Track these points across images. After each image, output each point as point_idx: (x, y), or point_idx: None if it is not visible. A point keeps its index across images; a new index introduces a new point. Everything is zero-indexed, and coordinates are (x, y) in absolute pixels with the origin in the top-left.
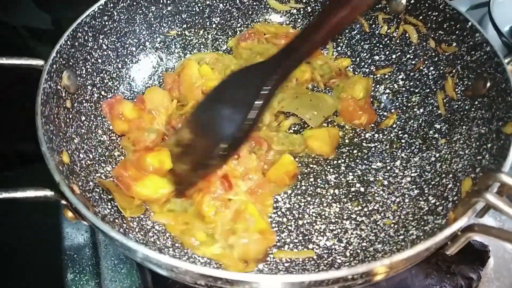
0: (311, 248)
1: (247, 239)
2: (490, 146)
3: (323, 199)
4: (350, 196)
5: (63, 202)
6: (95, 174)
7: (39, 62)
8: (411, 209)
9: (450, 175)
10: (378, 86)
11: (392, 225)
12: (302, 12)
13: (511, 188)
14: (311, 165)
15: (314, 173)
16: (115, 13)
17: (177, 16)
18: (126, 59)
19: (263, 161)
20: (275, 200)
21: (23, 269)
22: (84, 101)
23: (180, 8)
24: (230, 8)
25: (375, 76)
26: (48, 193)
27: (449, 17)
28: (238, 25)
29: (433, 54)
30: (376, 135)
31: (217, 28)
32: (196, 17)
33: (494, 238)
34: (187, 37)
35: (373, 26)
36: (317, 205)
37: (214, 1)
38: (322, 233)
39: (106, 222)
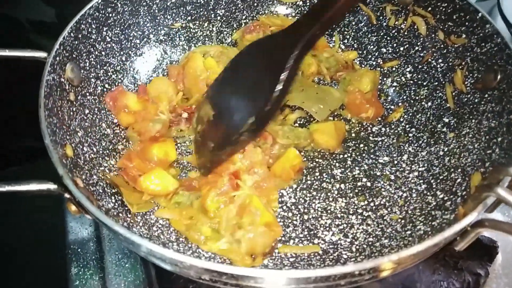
0: (316, 243)
1: (254, 233)
2: (501, 140)
3: (328, 194)
4: (356, 190)
5: (67, 195)
6: (98, 167)
7: (42, 54)
8: (418, 204)
9: (459, 170)
10: (385, 79)
11: (399, 220)
12: (308, 3)
13: None
14: (317, 159)
15: (320, 168)
16: (119, 5)
17: (182, 8)
18: (130, 52)
19: (268, 155)
20: (280, 194)
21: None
22: (87, 94)
23: (184, 0)
24: (235, 0)
25: (382, 69)
26: (51, 186)
27: (458, 8)
28: (243, 17)
29: (442, 46)
30: (383, 129)
31: (222, 20)
32: (201, 9)
33: (504, 234)
34: (191, 30)
35: (381, 18)
36: (322, 200)
37: None
38: (327, 228)
39: (109, 216)
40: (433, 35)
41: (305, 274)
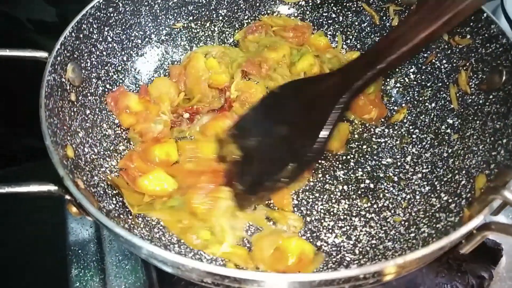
0: (319, 245)
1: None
2: (506, 141)
3: (331, 196)
4: (359, 192)
5: (67, 197)
6: (99, 168)
7: (43, 54)
8: (422, 206)
9: (463, 172)
10: (388, 79)
11: (403, 222)
12: (311, 3)
13: None
14: (320, 161)
15: (323, 169)
16: (121, 5)
17: (183, 8)
18: (131, 52)
19: None
20: None
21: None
22: (89, 94)
23: (186, 0)
24: (237, 0)
25: None
26: (52, 187)
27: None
28: (245, 17)
29: (446, 46)
30: (386, 130)
31: (224, 21)
32: (203, 9)
33: (510, 237)
34: (193, 30)
35: (384, 18)
36: (325, 202)
37: None
38: (330, 230)
39: (110, 217)
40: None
41: (309, 278)
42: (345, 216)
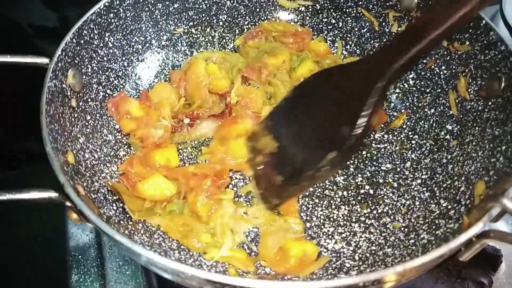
0: (319, 252)
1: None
2: (505, 148)
3: (331, 201)
4: (359, 198)
5: (68, 203)
6: (100, 174)
7: (44, 60)
8: (421, 212)
9: (462, 178)
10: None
11: (402, 228)
12: (310, 9)
13: None
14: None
15: None
16: (121, 11)
17: (184, 14)
18: (132, 57)
19: None
20: None
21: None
22: (89, 99)
23: (186, 5)
24: (237, 5)
25: None
26: (53, 194)
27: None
28: (246, 22)
29: (445, 53)
30: (386, 136)
31: (224, 26)
32: (203, 15)
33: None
34: (193, 35)
35: (383, 24)
36: (325, 207)
37: None
38: (330, 236)
39: (111, 224)
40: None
41: (310, 286)
42: (344, 222)
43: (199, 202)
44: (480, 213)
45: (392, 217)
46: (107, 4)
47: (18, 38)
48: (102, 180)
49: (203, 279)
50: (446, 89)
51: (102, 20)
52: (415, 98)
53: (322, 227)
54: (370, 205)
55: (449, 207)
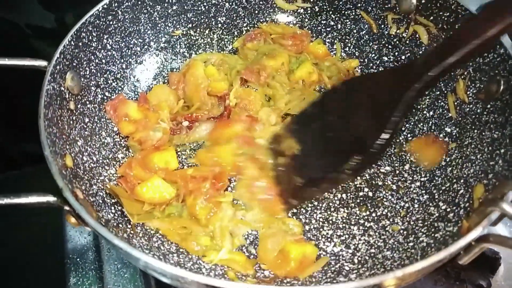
0: (318, 254)
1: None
2: (504, 151)
3: (330, 204)
4: (358, 201)
5: (66, 208)
6: (98, 177)
7: (42, 63)
8: (420, 215)
9: (461, 181)
10: None
11: (401, 231)
12: (309, 11)
13: None
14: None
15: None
16: (120, 13)
17: (183, 16)
18: (130, 59)
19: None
20: None
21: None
22: (87, 102)
23: (185, 7)
24: (236, 7)
25: None
26: (51, 198)
27: (461, 17)
28: (244, 24)
29: None
30: None
31: (223, 28)
32: (202, 17)
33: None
34: (192, 37)
35: (382, 26)
36: (324, 210)
37: (220, 0)
38: (329, 239)
39: (109, 227)
40: (435, 44)
41: None
42: (343, 225)
43: (198, 205)
44: (480, 217)
45: (391, 220)
46: (105, 6)
47: (16, 39)
48: (100, 183)
49: (202, 283)
50: (445, 92)
51: (101, 23)
52: None
53: (321, 229)
54: (369, 207)
55: (448, 210)
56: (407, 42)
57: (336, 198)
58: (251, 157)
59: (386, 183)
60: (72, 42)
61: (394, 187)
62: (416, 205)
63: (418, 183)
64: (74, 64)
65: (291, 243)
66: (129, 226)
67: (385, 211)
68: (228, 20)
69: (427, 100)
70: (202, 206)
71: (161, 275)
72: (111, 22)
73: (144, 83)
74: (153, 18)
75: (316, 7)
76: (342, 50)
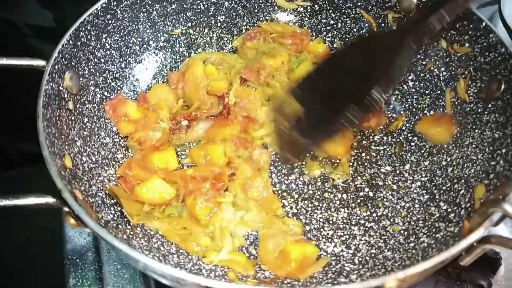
0: (319, 255)
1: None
2: (505, 151)
3: (330, 204)
4: (359, 201)
5: (66, 209)
6: (98, 177)
7: (41, 63)
8: (421, 215)
9: (462, 181)
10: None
11: (402, 231)
12: (309, 10)
13: None
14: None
15: (322, 177)
16: (119, 12)
17: (182, 14)
18: (129, 59)
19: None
20: (281, 205)
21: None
22: (86, 102)
23: (184, 6)
24: (235, 6)
25: None
26: (50, 200)
27: (462, 16)
28: (244, 23)
29: (445, 54)
30: (385, 138)
31: (222, 27)
32: (201, 15)
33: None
34: (191, 36)
35: (382, 25)
36: (324, 210)
37: None
38: (330, 239)
39: (109, 228)
40: (435, 44)
41: None
42: (344, 225)
43: (198, 205)
44: (481, 218)
45: (391, 220)
46: (104, 5)
47: (14, 38)
48: (100, 184)
49: (202, 285)
50: (445, 90)
51: (99, 22)
52: (414, 99)
53: (322, 230)
54: (370, 207)
55: (449, 210)
56: None
57: (336, 198)
58: (246, 159)
59: (387, 183)
60: (70, 42)
61: (395, 187)
62: (416, 205)
63: (418, 183)
64: (73, 63)
65: (292, 243)
66: (129, 227)
67: (385, 211)
68: (227, 19)
69: (428, 99)
70: (202, 206)
71: (161, 277)
72: (110, 21)
73: (143, 83)
74: (152, 17)
75: (316, 5)
76: None
